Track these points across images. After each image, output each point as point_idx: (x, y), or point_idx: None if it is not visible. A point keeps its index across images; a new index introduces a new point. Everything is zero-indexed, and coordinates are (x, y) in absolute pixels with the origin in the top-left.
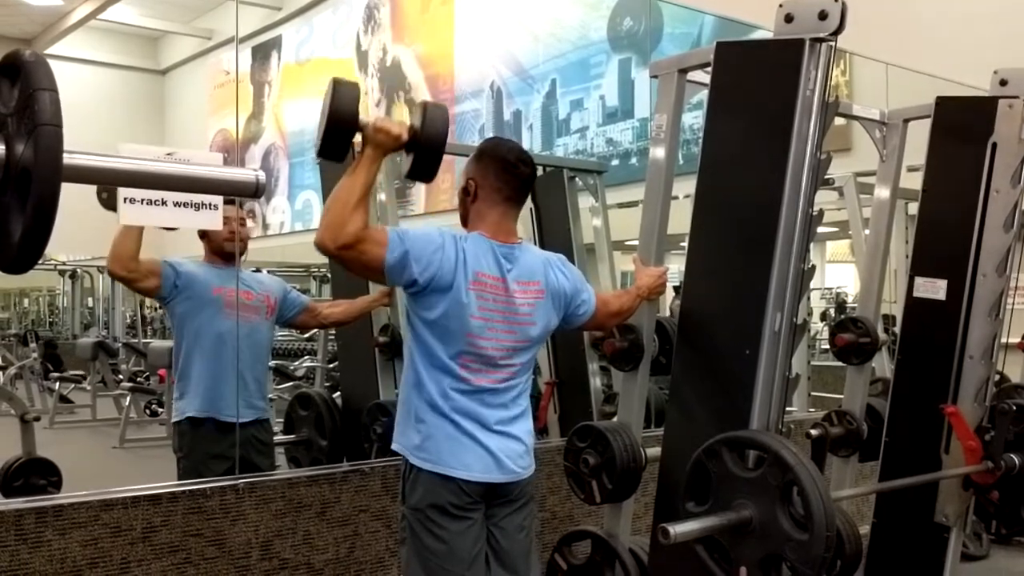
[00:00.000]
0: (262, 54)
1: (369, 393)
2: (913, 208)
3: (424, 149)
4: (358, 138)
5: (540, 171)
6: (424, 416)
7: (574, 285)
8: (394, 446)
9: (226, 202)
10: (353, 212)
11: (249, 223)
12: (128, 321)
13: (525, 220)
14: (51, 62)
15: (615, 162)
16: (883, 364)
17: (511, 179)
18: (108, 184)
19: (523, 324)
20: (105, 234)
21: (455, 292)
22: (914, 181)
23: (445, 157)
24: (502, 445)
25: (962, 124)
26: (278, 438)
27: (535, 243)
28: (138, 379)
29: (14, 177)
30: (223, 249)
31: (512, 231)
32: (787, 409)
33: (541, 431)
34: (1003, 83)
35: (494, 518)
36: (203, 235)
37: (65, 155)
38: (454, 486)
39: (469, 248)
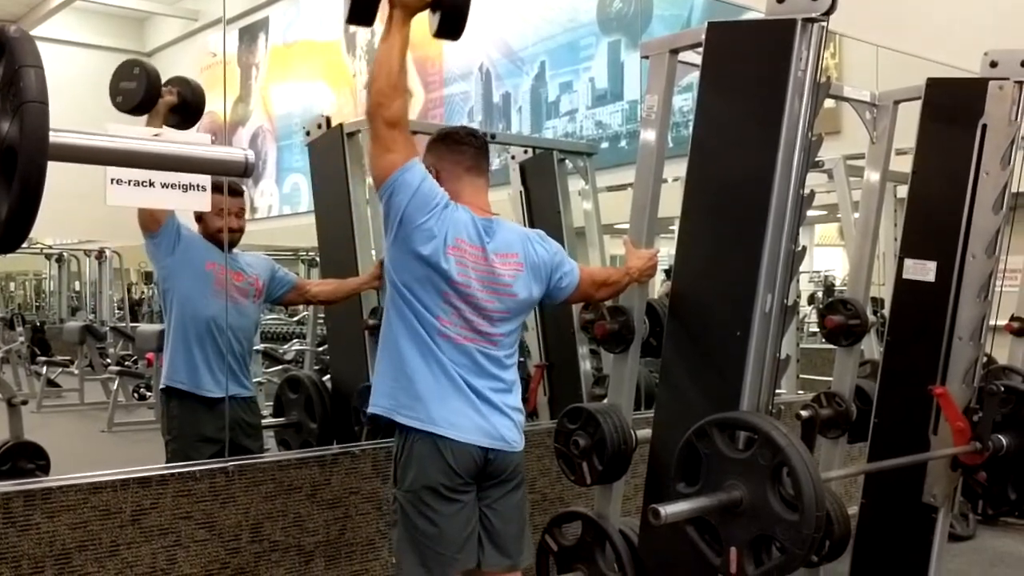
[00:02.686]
0: (249, 36)
1: (359, 376)
2: (902, 191)
3: (450, 4)
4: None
5: (529, 153)
6: (410, 372)
7: (553, 258)
8: (373, 409)
9: (216, 190)
10: (398, 80)
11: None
12: (116, 305)
13: (515, 202)
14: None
15: (605, 145)
16: (872, 346)
17: (465, 148)
18: (95, 163)
19: (503, 295)
20: (92, 218)
21: (435, 249)
22: (903, 164)
23: None
24: (491, 412)
25: (952, 106)
26: (268, 421)
27: (525, 226)
28: (126, 363)
29: None
30: (214, 239)
31: (487, 204)
32: (776, 391)
33: (531, 414)
34: (993, 64)
35: (488, 499)
36: (199, 218)
37: (51, 133)
38: (443, 464)
39: (454, 215)
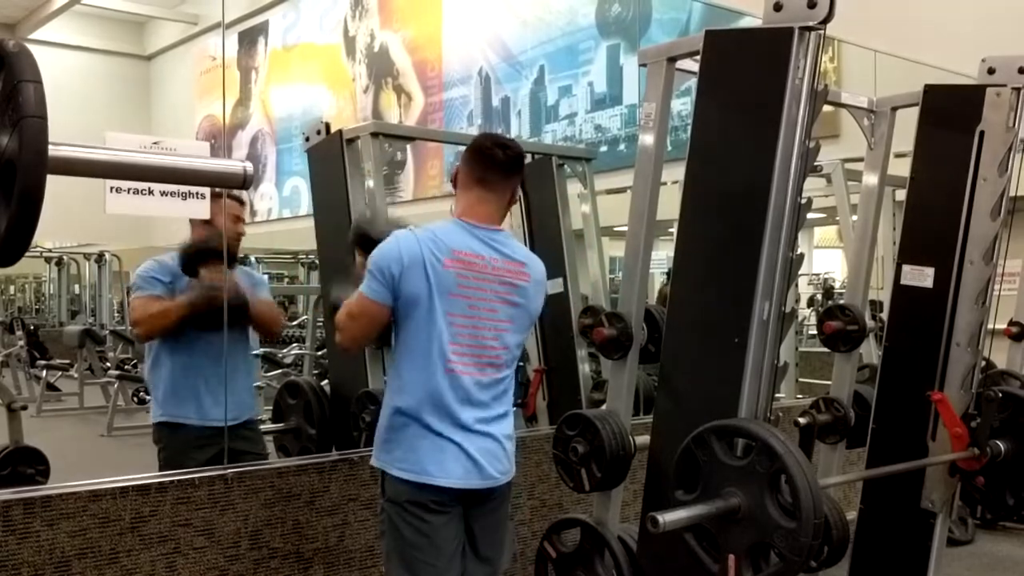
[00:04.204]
0: (249, 39)
1: (358, 381)
2: (901, 195)
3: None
4: None
5: (529, 158)
6: (401, 421)
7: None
8: (373, 461)
9: (232, 197)
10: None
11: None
12: (115, 308)
13: (514, 207)
14: (35, 47)
15: (604, 148)
16: (870, 351)
17: (483, 160)
18: (94, 176)
19: (509, 304)
20: (92, 222)
21: (431, 272)
22: (902, 168)
23: (432, 144)
24: (481, 447)
25: (950, 112)
26: (267, 427)
27: (524, 230)
28: (126, 367)
29: None
30: (229, 248)
31: (490, 216)
32: (775, 396)
33: (530, 419)
34: (991, 71)
35: (472, 516)
36: (203, 222)
37: (50, 147)
38: (433, 488)
39: (438, 229)
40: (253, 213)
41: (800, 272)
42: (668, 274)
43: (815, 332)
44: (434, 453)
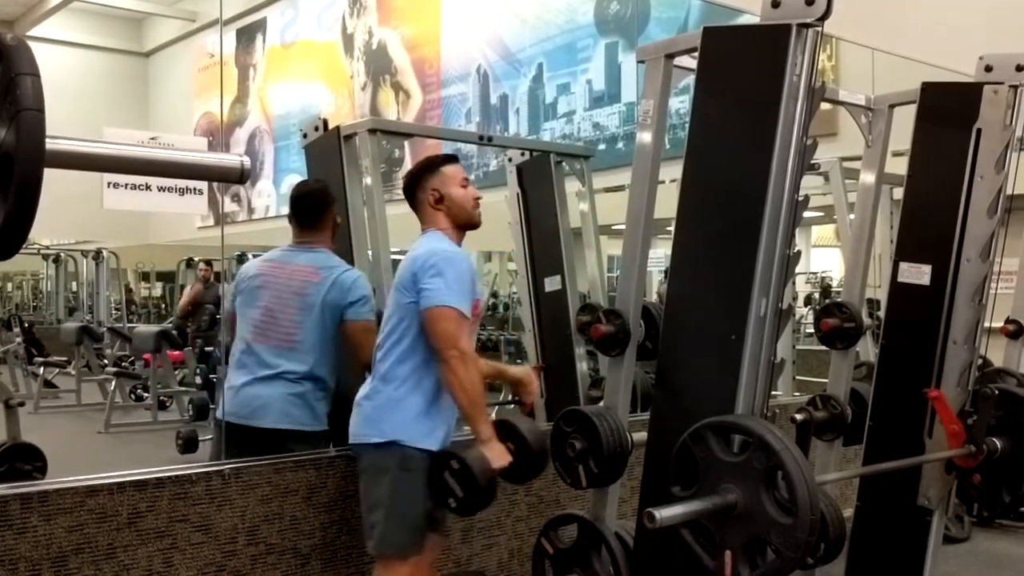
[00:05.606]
0: (247, 37)
1: (357, 378)
2: (898, 193)
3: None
4: None
5: (526, 156)
6: None
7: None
8: None
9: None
10: None
11: (234, 207)
12: (113, 305)
13: (512, 204)
14: (33, 44)
15: (602, 146)
16: (867, 348)
17: None
18: (92, 170)
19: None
20: (89, 218)
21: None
22: (899, 166)
23: (430, 141)
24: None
25: (947, 110)
26: None
27: (522, 228)
28: (123, 364)
29: None
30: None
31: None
32: (772, 393)
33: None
34: (988, 69)
35: None
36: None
37: (48, 140)
38: None
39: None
40: (251, 210)
41: (798, 270)
42: (666, 272)
43: (812, 330)
44: None
